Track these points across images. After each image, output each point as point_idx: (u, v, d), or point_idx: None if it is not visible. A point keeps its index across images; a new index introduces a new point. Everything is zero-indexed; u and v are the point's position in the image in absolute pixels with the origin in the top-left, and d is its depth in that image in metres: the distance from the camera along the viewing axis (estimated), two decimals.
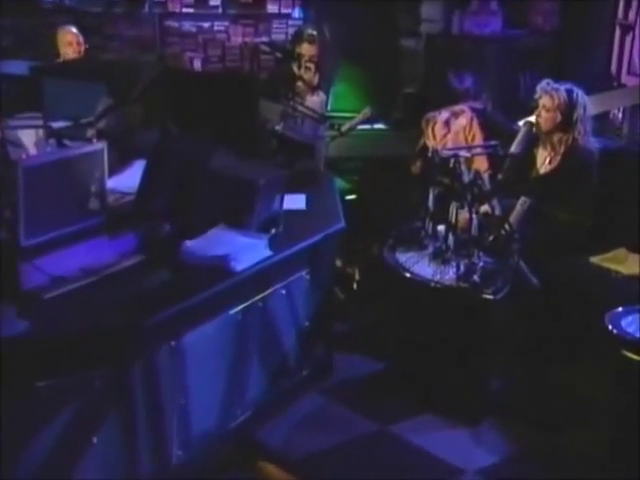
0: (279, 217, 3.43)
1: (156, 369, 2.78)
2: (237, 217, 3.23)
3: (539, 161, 4.35)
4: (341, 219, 3.77)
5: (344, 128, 4.53)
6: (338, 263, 4.61)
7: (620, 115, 5.63)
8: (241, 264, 3.03)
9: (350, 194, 5.20)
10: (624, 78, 6.06)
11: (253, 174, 3.31)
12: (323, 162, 4.85)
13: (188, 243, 3.05)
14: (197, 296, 2.83)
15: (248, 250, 3.10)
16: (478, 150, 4.39)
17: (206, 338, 2.99)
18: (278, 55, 5.20)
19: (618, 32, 6.11)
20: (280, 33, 6.43)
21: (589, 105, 4.28)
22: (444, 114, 5.05)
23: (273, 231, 3.36)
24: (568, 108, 4.20)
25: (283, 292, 3.44)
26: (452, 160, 3.70)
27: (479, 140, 4.89)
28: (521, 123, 4.31)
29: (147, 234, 3.10)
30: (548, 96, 4.22)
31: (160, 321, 2.69)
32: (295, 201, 3.79)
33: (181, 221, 3.14)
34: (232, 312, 3.13)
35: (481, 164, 4.60)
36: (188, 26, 6.41)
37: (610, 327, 3.14)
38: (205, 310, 2.95)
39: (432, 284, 3.54)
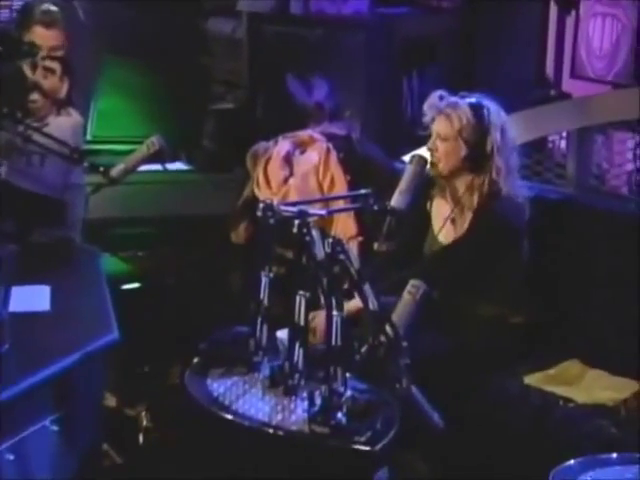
0: (1, 326, 3.37)
1: None
2: None
3: (437, 221, 4.50)
4: (112, 325, 3.75)
5: (116, 171, 4.51)
6: (110, 402, 4.56)
7: (563, 144, 5.91)
8: None
9: (130, 282, 5.21)
10: (566, 84, 6.42)
11: None
12: (80, 229, 4.82)
13: None
14: None
15: None
16: (340, 204, 4.48)
17: None
18: None
19: (555, 13, 6.48)
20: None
21: (511, 128, 4.46)
22: (283, 145, 5.15)
23: None
24: (476, 133, 4.35)
25: (10, 458, 3.36)
26: (297, 222, 3.74)
27: (341, 188, 5.00)
28: (407, 158, 4.43)
29: None
30: (443, 117, 4.38)
31: None
32: (31, 298, 3.78)
33: None
34: None
35: (345, 227, 4.70)
36: None
37: None
38: None
39: (269, 430, 3.54)
